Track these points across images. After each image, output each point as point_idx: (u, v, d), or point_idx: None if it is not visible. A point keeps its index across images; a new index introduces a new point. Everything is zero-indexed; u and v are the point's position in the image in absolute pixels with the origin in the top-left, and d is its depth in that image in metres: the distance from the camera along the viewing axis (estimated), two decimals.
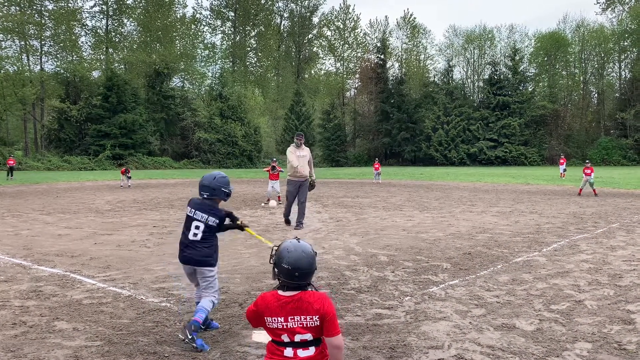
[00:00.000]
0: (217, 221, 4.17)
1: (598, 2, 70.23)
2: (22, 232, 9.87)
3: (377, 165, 29.82)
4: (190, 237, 4.17)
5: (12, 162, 32.34)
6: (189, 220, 4.21)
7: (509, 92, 66.24)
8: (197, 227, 4.16)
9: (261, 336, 3.63)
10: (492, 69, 69.60)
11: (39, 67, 57.15)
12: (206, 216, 4.15)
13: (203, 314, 4.02)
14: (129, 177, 24.54)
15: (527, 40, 73.55)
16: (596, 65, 70.51)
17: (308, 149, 10.92)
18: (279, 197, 16.45)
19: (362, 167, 59.75)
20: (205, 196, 4.21)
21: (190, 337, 3.82)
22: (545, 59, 70.55)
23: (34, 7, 55.82)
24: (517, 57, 67.83)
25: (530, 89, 69.72)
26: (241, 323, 4.49)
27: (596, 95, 72.88)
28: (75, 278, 6.12)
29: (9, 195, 19.48)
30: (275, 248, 2.53)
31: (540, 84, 72.29)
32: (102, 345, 3.95)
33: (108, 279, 6.06)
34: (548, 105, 65.83)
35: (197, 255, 4.16)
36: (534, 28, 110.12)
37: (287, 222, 10.88)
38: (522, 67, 69.15)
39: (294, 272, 2.39)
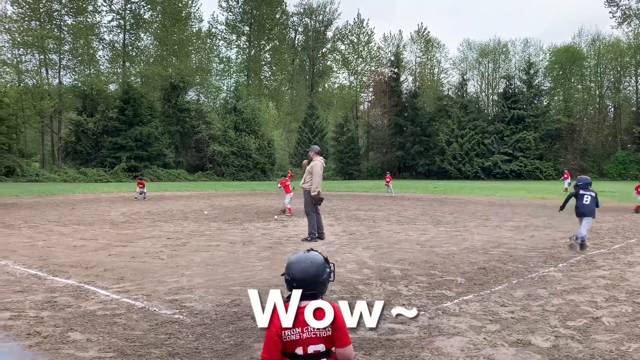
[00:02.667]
0: (594, 194, 9.06)
1: (614, 17, 69.83)
2: (38, 243, 9.98)
3: (388, 179, 29.76)
4: (584, 202, 8.95)
5: None
6: (581, 195, 9.01)
7: (524, 105, 65.83)
8: (587, 199, 8.94)
9: None
10: (507, 83, 69.26)
11: (57, 81, 58.12)
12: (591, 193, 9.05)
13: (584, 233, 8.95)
14: (144, 192, 24.53)
15: (542, 54, 73.18)
16: (612, 79, 69.87)
17: (314, 160, 10.73)
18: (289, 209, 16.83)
19: (375, 180, 59.65)
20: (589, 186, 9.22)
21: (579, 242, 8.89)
22: (561, 72, 70.12)
23: (54, 21, 56.94)
24: (531, 71, 67.47)
25: (545, 103, 69.20)
26: (253, 336, 4.48)
27: (612, 109, 72.11)
28: (90, 289, 6.16)
29: (26, 206, 19.72)
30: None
31: (556, 98, 71.75)
32: (115, 356, 3.97)
33: (122, 291, 6.09)
34: (563, 119, 65.29)
35: (589, 212, 8.94)
36: (549, 42, 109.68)
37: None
38: (537, 80, 68.74)
39: (292, 282, 2.46)
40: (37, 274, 7.02)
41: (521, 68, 70.16)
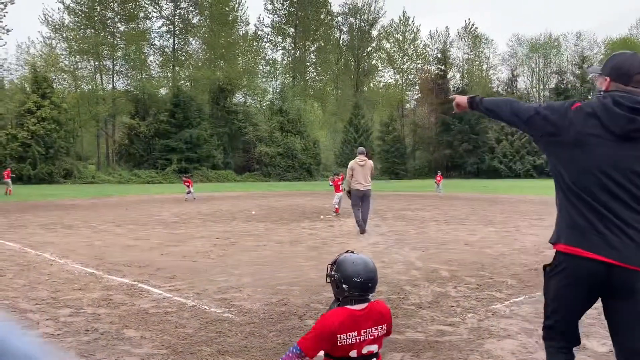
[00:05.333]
0: None
1: None
2: (95, 243, 10.38)
3: (438, 177, 29.37)
4: None
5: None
6: None
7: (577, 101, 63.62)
8: None
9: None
10: (559, 78, 67.20)
11: (111, 86, 60.36)
12: None
13: None
14: (189, 192, 24.74)
15: (597, 48, 70.59)
16: None
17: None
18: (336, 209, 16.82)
19: (422, 180, 58.97)
20: None
21: None
22: None
23: (107, 29, 59.15)
24: (585, 65, 65.12)
25: None
26: (300, 336, 4.51)
27: None
28: (143, 288, 6.37)
29: (83, 207, 20.56)
30: (331, 265, 2.52)
31: None
32: (168, 353, 4.08)
33: (173, 289, 6.26)
34: None
35: None
36: (604, 34, 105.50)
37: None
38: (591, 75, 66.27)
39: (368, 283, 2.39)
40: (94, 273, 7.31)
41: (574, 62, 67.94)
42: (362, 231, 11.54)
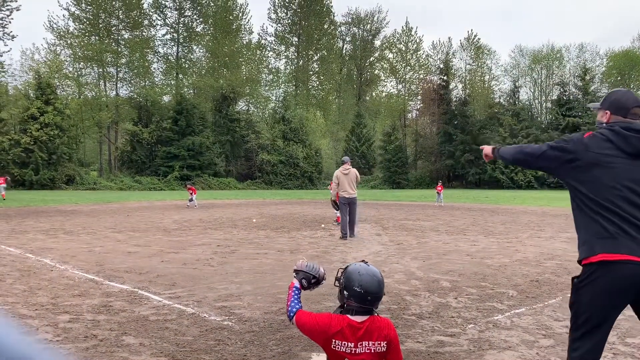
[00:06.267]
0: None
1: None
2: (95, 249, 10.37)
3: (439, 187, 29.34)
4: None
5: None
6: None
7: (579, 113, 63.56)
8: None
9: (321, 359, 3.64)
10: (561, 90, 67.11)
11: (114, 93, 60.56)
12: None
13: None
14: (191, 199, 24.87)
15: (599, 60, 70.56)
16: None
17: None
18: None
19: (423, 190, 58.90)
20: None
21: None
22: (619, 78, 67.36)
23: (112, 36, 59.46)
24: (587, 77, 65.13)
25: None
26: (300, 345, 4.50)
27: None
28: (143, 294, 6.35)
29: (85, 213, 20.57)
30: (342, 270, 2.55)
31: None
32: None
33: (173, 296, 6.25)
34: None
35: None
36: (606, 46, 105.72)
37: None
38: (593, 87, 66.19)
39: (367, 295, 2.39)
40: (94, 279, 7.30)
41: (576, 74, 67.89)
42: (345, 237, 12.19)
